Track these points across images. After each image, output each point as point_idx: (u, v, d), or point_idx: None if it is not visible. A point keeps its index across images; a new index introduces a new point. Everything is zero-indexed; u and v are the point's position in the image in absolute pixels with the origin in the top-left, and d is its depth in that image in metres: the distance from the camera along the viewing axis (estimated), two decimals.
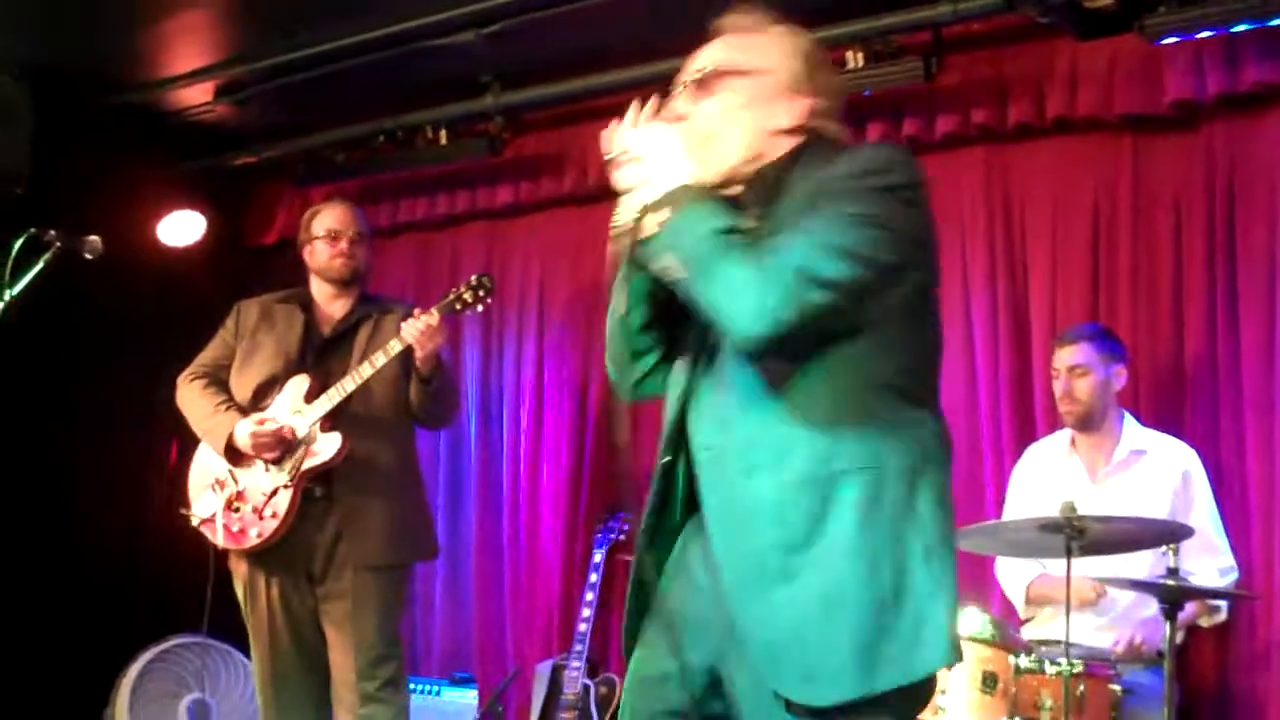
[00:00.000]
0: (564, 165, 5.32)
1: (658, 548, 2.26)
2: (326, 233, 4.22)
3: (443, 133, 5.35)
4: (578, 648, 4.79)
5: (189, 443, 4.33)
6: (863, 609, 2.00)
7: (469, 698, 5.15)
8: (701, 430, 2.18)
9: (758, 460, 2.08)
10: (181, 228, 5.67)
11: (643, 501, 2.28)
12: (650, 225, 2.15)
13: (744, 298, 2.01)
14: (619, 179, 2.22)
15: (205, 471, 4.17)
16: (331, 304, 4.23)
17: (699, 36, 4.68)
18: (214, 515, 4.06)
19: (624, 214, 2.20)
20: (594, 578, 4.88)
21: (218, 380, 4.21)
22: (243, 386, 4.14)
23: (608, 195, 5.55)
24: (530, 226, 5.57)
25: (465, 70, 5.05)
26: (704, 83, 2.24)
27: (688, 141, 2.18)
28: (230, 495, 4.06)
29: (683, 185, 2.13)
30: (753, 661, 2.07)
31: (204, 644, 5.21)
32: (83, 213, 4.50)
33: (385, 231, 5.84)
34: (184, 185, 5.83)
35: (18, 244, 3.55)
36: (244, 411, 4.07)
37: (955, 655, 2.06)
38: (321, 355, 4.13)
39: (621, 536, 4.96)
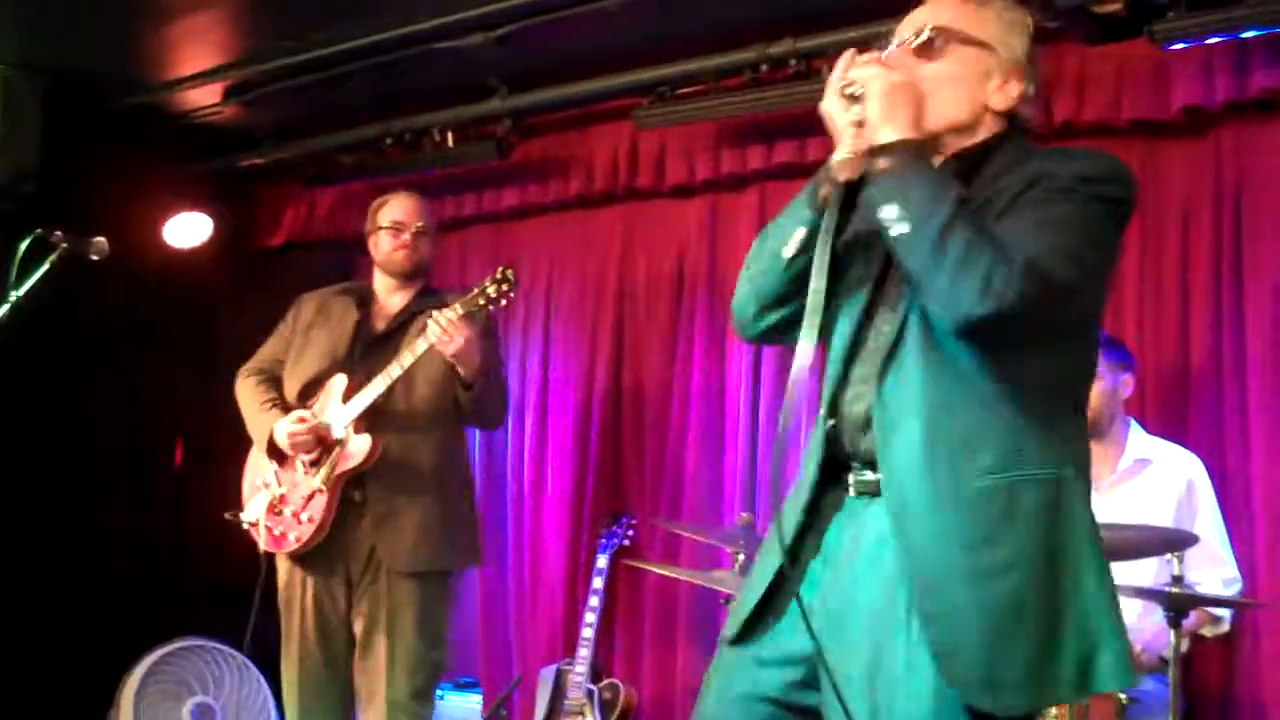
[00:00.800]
0: (571, 168, 5.32)
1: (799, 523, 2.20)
2: (391, 224, 4.17)
3: (450, 135, 5.34)
4: (582, 652, 4.78)
5: (194, 443, 4.35)
6: (1043, 621, 1.99)
7: (473, 702, 5.14)
8: (883, 411, 2.10)
9: (946, 451, 2.04)
10: (188, 229, 5.69)
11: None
12: (876, 168, 2.06)
13: (973, 274, 1.96)
14: (835, 110, 2.13)
15: (255, 473, 4.14)
16: (391, 297, 4.17)
17: (704, 41, 4.71)
18: (259, 518, 4.04)
19: (842, 148, 2.13)
20: (598, 583, 4.86)
21: (272, 377, 4.18)
22: (292, 385, 4.10)
23: (614, 199, 5.61)
24: (537, 229, 5.57)
25: (473, 73, 5.05)
26: (929, 44, 2.18)
27: (917, 99, 2.11)
28: (273, 498, 4.02)
29: (908, 139, 2.06)
30: (924, 659, 2.01)
31: (208, 647, 5.21)
32: (90, 213, 4.51)
33: None
34: (191, 186, 5.84)
35: (24, 245, 3.56)
36: (290, 410, 4.02)
37: (1130, 677, 2.05)
38: (369, 352, 4.05)
39: (625, 542, 4.95)
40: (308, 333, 4.15)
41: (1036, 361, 2.07)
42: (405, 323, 4.06)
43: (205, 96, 5.45)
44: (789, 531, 2.17)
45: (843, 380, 2.18)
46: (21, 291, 3.53)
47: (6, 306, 3.50)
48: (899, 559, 2.05)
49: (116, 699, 5.09)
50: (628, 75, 4.85)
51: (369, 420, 3.92)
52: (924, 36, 2.18)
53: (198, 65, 5.24)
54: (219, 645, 5.21)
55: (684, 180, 5.04)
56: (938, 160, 2.16)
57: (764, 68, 4.52)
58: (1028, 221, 2.02)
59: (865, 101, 2.08)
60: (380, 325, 4.11)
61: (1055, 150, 2.22)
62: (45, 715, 5.29)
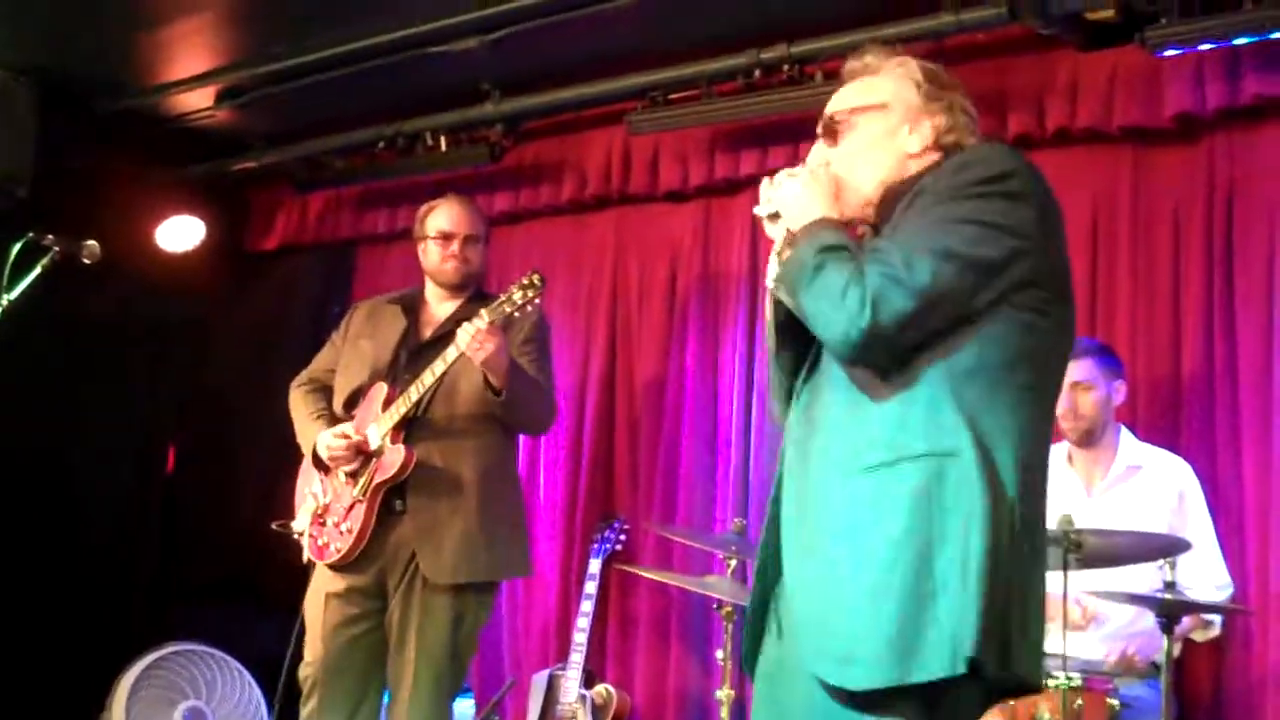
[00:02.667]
0: (563, 173, 5.32)
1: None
2: (438, 233, 4.06)
3: (443, 139, 5.34)
4: (574, 657, 4.77)
5: (186, 446, 4.33)
6: (906, 599, 2.01)
7: (465, 707, 5.13)
8: (793, 430, 2.27)
9: (829, 448, 2.16)
10: (181, 233, 5.68)
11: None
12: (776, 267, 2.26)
13: (835, 306, 2.08)
14: (769, 231, 2.32)
15: (305, 482, 4.08)
16: (441, 304, 4.09)
17: (698, 46, 4.71)
18: (305, 528, 4.01)
19: (771, 269, 2.30)
20: (590, 587, 4.86)
21: (323, 387, 4.13)
22: (339, 395, 4.05)
23: (606, 204, 5.61)
24: (529, 234, 5.57)
25: (466, 77, 5.05)
26: (830, 131, 2.36)
27: (826, 187, 2.26)
28: (317, 508, 3.97)
29: (808, 223, 2.21)
30: (799, 641, 2.13)
31: (201, 651, 5.20)
32: (82, 217, 4.51)
33: (384, 238, 5.85)
34: (184, 190, 5.84)
35: (16, 248, 3.55)
36: (337, 421, 3.97)
37: (1015, 665, 2.03)
38: (414, 360, 3.95)
39: (618, 547, 4.94)
40: (356, 342, 4.09)
41: (928, 352, 2.10)
42: (451, 330, 3.86)
43: (198, 100, 5.45)
44: (760, 567, 2.32)
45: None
46: (14, 294, 3.52)
47: None
48: (784, 557, 2.21)
49: (108, 702, 5.08)
50: (621, 80, 4.85)
51: (408, 430, 3.86)
52: (823, 128, 2.36)
53: (190, 69, 5.24)
54: (211, 650, 5.21)
55: (677, 185, 5.04)
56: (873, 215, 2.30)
57: (757, 73, 4.52)
58: (895, 235, 2.13)
59: (784, 217, 2.27)
60: (427, 333, 4.03)
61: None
62: (38, 718, 5.28)
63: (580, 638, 4.78)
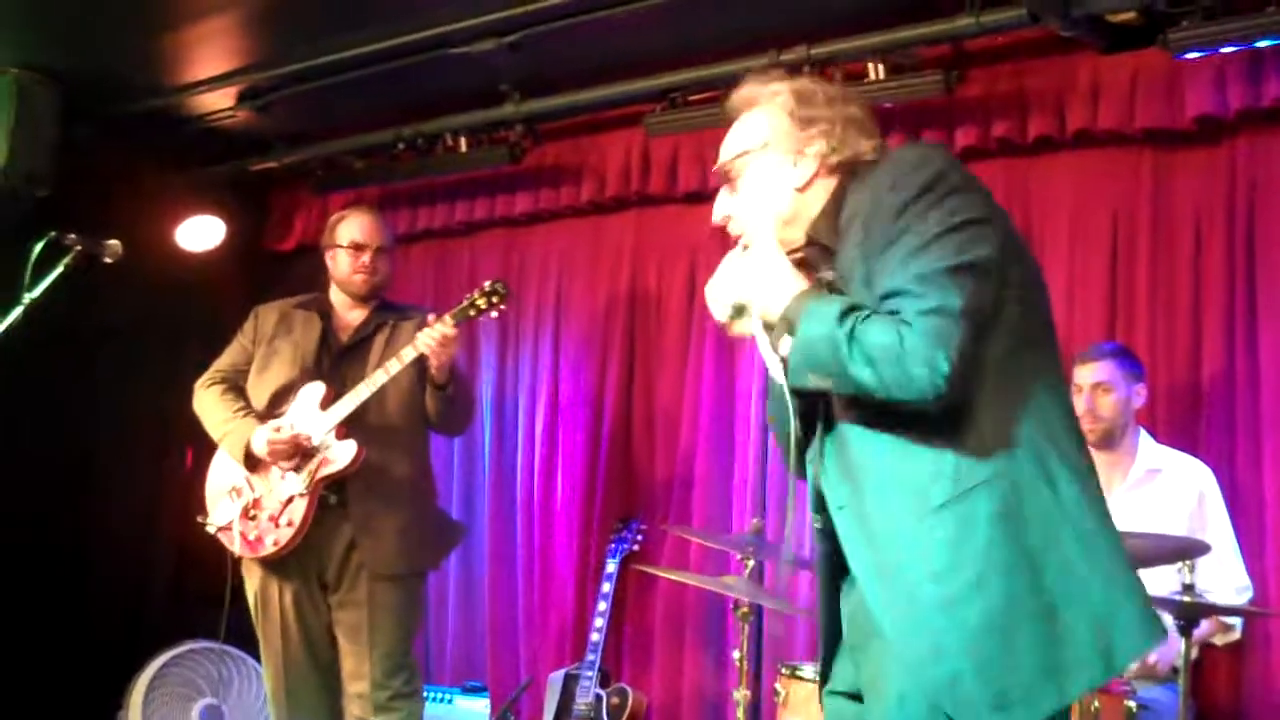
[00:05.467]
0: (583, 174, 5.33)
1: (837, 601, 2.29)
2: (350, 244, 4.21)
3: (462, 140, 5.36)
4: (590, 657, 4.78)
5: (204, 449, 4.34)
6: (1036, 621, 1.97)
7: (481, 706, 5.14)
8: (833, 492, 2.17)
9: (889, 501, 2.07)
10: (201, 232, 5.69)
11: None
12: (783, 355, 2.13)
13: (899, 362, 1.98)
14: (742, 328, 2.23)
15: (222, 478, 4.17)
16: (350, 311, 4.25)
17: (717, 47, 4.71)
18: (231, 523, 4.07)
19: (769, 361, 2.19)
20: (607, 587, 4.87)
21: (236, 386, 4.22)
22: (260, 393, 4.15)
23: (626, 205, 5.61)
24: (548, 235, 5.58)
25: (486, 78, 5.06)
26: (727, 180, 2.33)
27: (773, 254, 2.20)
28: (247, 503, 4.06)
29: (790, 301, 2.13)
30: (930, 695, 2.00)
31: (218, 650, 5.22)
32: (103, 216, 4.52)
33: (404, 238, 5.85)
34: (204, 190, 5.85)
35: (38, 247, 3.57)
36: (261, 418, 4.07)
37: (1155, 630, 2.04)
38: (338, 362, 4.14)
39: (635, 547, 4.95)
40: (271, 342, 4.20)
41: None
42: (370, 335, 4.15)
43: (218, 101, 5.47)
44: (824, 635, 2.31)
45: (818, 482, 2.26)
46: (35, 294, 3.53)
47: (20, 308, 3.51)
48: (875, 615, 2.09)
49: (126, 700, 5.10)
50: (640, 81, 4.86)
51: (346, 427, 4.00)
52: (723, 178, 2.32)
53: (211, 70, 5.25)
54: (228, 648, 5.22)
55: (696, 186, 5.04)
56: (803, 253, 2.25)
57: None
58: (905, 273, 2.03)
59: (751, 307, 2.19)
60: (344, 338, 4.19)
61: (869, 175, 2.19)
62: (55, 715, 5.30)
63: (596, 637, 4.79)
